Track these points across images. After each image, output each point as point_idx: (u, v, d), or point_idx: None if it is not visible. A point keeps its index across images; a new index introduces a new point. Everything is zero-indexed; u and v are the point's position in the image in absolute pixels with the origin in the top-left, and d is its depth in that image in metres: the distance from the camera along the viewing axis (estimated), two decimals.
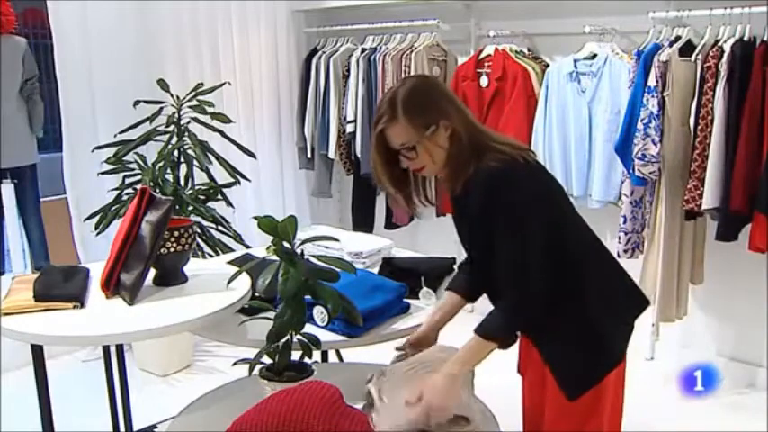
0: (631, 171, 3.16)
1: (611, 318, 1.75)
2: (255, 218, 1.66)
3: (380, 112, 1.72)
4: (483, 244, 1.73)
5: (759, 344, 3.32)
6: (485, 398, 1.93)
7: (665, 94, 3.01)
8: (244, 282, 2.07)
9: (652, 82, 3.02)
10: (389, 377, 1.80)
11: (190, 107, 3.39)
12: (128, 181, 3.40)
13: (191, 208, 3.30)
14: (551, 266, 1.65)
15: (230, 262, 2.46)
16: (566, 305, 1.70)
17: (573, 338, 1.72)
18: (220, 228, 3.47)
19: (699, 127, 2.95)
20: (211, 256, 3.40)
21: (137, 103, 3.41)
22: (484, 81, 3.70)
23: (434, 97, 1.72)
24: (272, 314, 1.69)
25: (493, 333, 1.68)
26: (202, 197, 3.44)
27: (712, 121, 2.91)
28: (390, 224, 4.27)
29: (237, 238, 3.50)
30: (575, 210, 1.82)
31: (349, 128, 4.19)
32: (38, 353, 2.00)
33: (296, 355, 1.74)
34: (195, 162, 3.40)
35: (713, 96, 2.91)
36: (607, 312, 1.74)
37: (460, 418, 1.71)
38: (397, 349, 1.96)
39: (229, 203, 3.54)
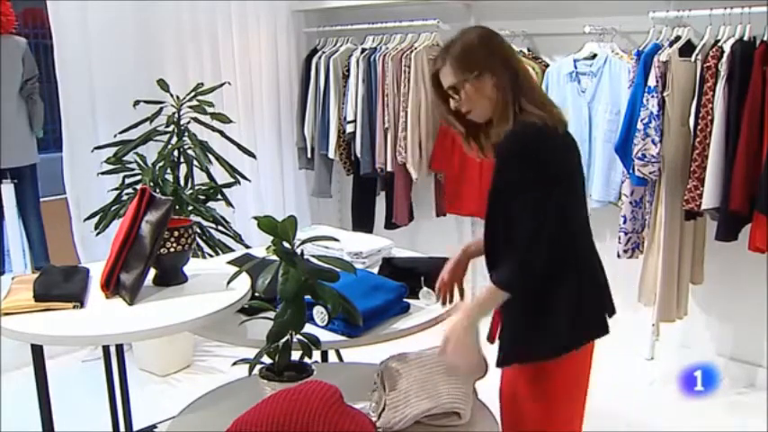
0: (631, 171, 3.16)
1: (592, 289, 1.85)
2: (255, 218, 1.66)
3: (436, 56, 1.87)
4: (499, 196, 1.80)
5: (759, 344, 3.32)
6: (485, 398, 1.93)
7: (665, 94, 3.01)
8: (244, 282, 2.07)
9: (652, 82, 3.02)
10: (405, 363, 1.83)
11: (190, 107, 3.39)
12: (128, 181, 3.40)
13: (191, 208, 3.30)
14: (559, 230, 1.73)
15: (230, 262, 2.45)
16: (562, 271, 1.77)
17: (551, 306, 1.78)
18: (220, 228, 3.47)
19: (699, 127, 2.95)
20: (211, 256, 3.40)
21: (137, 103, 3.41)
22: None
23: (484, 50, 1.82)
24: (272, 314, 1.69)
25: (506, 282, 1.74)
26: (202, 197, 3.44)
27: (712, 121, 2.91)
28: (390, 224, 4.27)
29: (237, 238, 3.50)
30: (584, 188, 1.94)
31: (349, 128, 4.19)
32: (38, 353, 2.00)
33: (296, 355, 1.74)
34: (195, 162, 3.40)
35: (713, 96, 2.91)
36: (590, 283, 1.84)
37: (453, 413, 1.72)
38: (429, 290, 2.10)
39: (229, 203, 3.54)
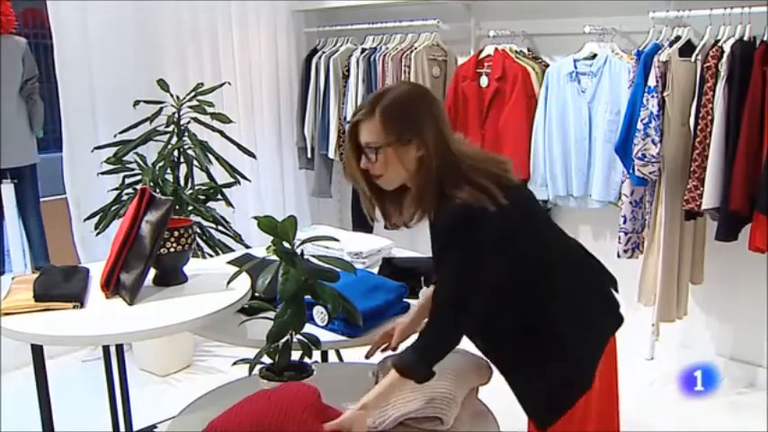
0: (631, 171, 3.16)
1: (582, 344, 1.71)
2: (255, 218, 1.66)
3: (361, 104, 1.68)
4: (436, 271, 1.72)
5: (759, 344, 3.32)
6: (485, 398, 1.93)
7: (665, 94, 3.01)
8: (244, 282, 2.07)
9: (652, 82, 3.02)
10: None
11: (190, 107, 3.39)
12: (128, 181, 3.40)
13: (191, 208, 3.30)
14: (475, 313, 1.64)
15: (230, 262, 2.46)
16: (531, 338, 1.67)
17: (541, 369, 1.68)
18: (220, 228, 3.47)
19: (699, 127, 2.95)
20: (211, 256, 3.40)
21: (137, 103, 3.41)
22: (484, 81, 3.70)
23: (419, 112, 1.65)
24: (272, 314, 1.69)
25: (409, 370, 1.63)
26: (202, 197, 3.44)
27: (712, 121, 2.91)
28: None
29: (237, 238, 3.50)
30: (551, 232, 1.79)
31: None
32: (38, 353, 2.00)
33: (296, 355, 1.74)
34: (195, 162, 3.40)
35: (713, 96, 2.91)
36: (578, 340, 1.70)
37: (435, 418, 1.72)
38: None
39: (229, 203, 3.54)
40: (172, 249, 2.04)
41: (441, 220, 1.63)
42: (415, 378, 1.64)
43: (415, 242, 4.35)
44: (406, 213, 1.73)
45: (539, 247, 1.72)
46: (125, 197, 3.37)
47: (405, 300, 2.18)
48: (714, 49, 2.92)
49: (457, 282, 1.61)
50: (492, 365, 1.85)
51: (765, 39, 2.84)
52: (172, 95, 3.42)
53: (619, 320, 1.81)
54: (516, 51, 3.68)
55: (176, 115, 3.42)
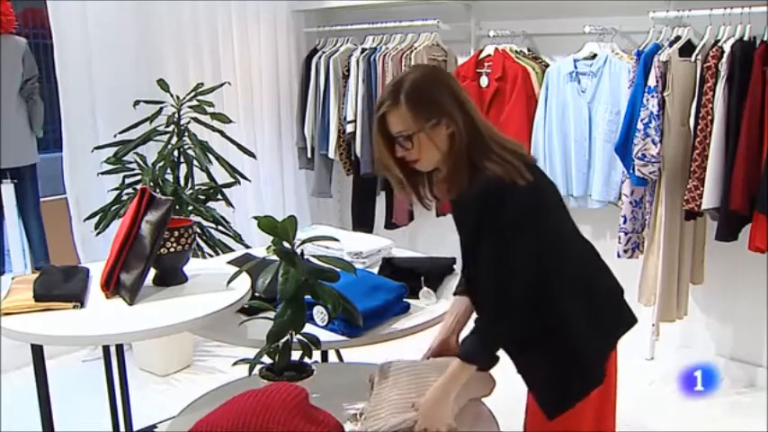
0: (631, 171, 3.16)
1: (594, 339, 1.72)
2: (255, 218, 1.66)
3: (384, 96, 1.70)
4: (470, 255, 1.74)
5: (759, 344, 3.32)
6: (486, 399, 1.93)
7: (665, 94, 3.01)
8: (244, 282, 2.07)
9: (652, 82, 3.02)
10: (393, 372, 1.81)
11: (190, 107, 3.39)
12: (128, 181, 3.40)
13: (191, 208, 3.30)
14: (530, 289, 1.63)
15: (230, 262, 2.46)
16: (547, 326, 1.67)
17: (553, 359, 1.69)
18: (220, 228, 3.47)
19: (699, 127, 2.95)
20: (211, 256, 3.40)
21: (137, 103, 3.41)
22: (484, 81, 3.70)
23: (440, 92, 1.68)
24: (272, 314, 1.69)
25: (471, 356, 1.66)
26: (202, 197, 3.44)
27: (712, 121, 2.91)
28: (390, 224, 4.27)
29: (237, 238, 3.50)
30: (567, 222, 1.78)
31: (349, 128, 4.19)
32: (38, 353, 2.00)
33: (296, 355, 1.74)
34: (195, 162, 3.40)
35: (713, 96, 2.91)
36: (590, 334, 1.71)
37: None
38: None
39: (229, 203, 3.54)
40: (172, 249, 2.03)
41: (472, 193, 1.65)
42: (478, 364, 1.65)
43: (415, 242, 4.37)
44: (439, 191, 1.77)
45: (559, 228, 1.74)
46: (125, 197, 3.37)
47: (405, 300, 2.18)
48: (714, 49, 2.92)
49: (500, 253, 1.62)
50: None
51: (765, 39, 2.84)
52: (172, 95, 3.42)
53: (630, 320, 1.82)
54: (516, 51, 3.68)
55: (176, 115, 3.43)
